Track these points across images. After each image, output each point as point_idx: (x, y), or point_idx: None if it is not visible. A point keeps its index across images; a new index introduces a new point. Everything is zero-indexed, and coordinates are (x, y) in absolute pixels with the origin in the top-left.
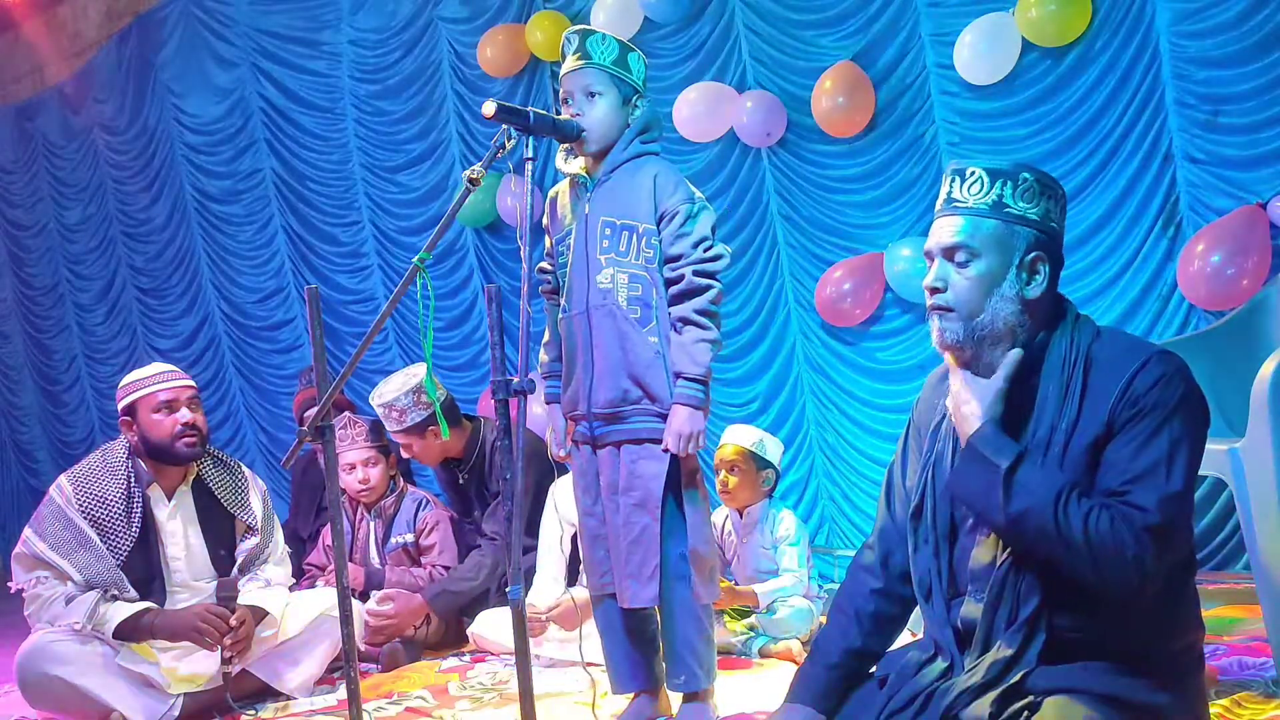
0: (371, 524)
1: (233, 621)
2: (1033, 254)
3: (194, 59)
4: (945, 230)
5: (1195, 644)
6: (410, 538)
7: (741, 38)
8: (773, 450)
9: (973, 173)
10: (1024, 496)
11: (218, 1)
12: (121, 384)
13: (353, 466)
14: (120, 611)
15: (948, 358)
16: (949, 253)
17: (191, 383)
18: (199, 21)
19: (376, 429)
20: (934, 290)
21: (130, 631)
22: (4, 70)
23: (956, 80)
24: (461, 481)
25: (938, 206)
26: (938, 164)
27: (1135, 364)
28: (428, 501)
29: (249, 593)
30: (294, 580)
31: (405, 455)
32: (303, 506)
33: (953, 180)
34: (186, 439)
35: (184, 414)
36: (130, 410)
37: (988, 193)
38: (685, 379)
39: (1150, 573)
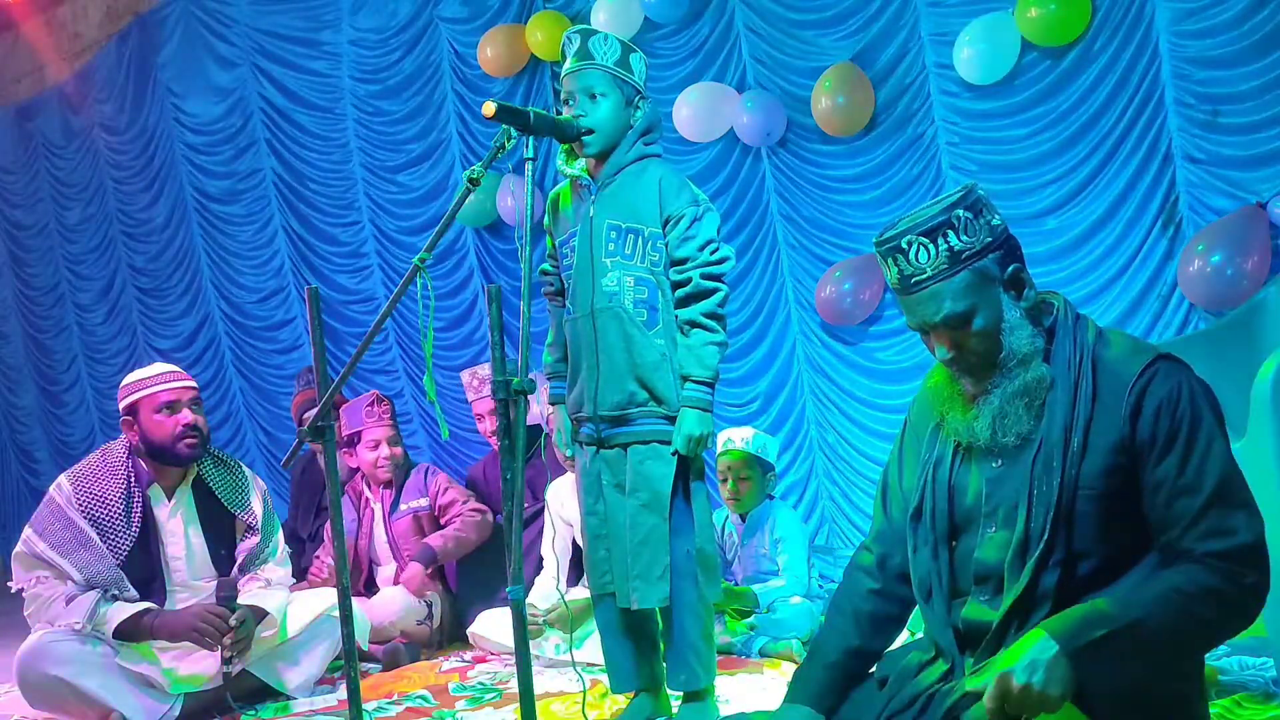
0: (376, 507)
1: (232, 621)
2: (1009, 269)
3: (194, 59)
4: (925, 310)
5: None
6: (424, 502)
7: (741, 38)
8: (771, 450)
9: (910, 242)
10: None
11: (218, 1)
12: (123, 383)
13: (378, 443)
14: (120, 612)
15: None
16: (943, 326)
17: (193, 384)
18: (199, 21)
19: (395, 412)
20: (952, 359)
21: (130, 631)
22: (4, 70)
23: (956, 80)
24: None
25: (894, 284)
26: (938, 164)
27: (1144, 369)
28: (434, 469)
29: (249, 593)
30: (294, 580)
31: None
32: (303, 506)
33: (895, 258)
34: (188, 440)
35: (185, 415)
36: (132, 410)
37: (937, 254)
38: (694, 382)
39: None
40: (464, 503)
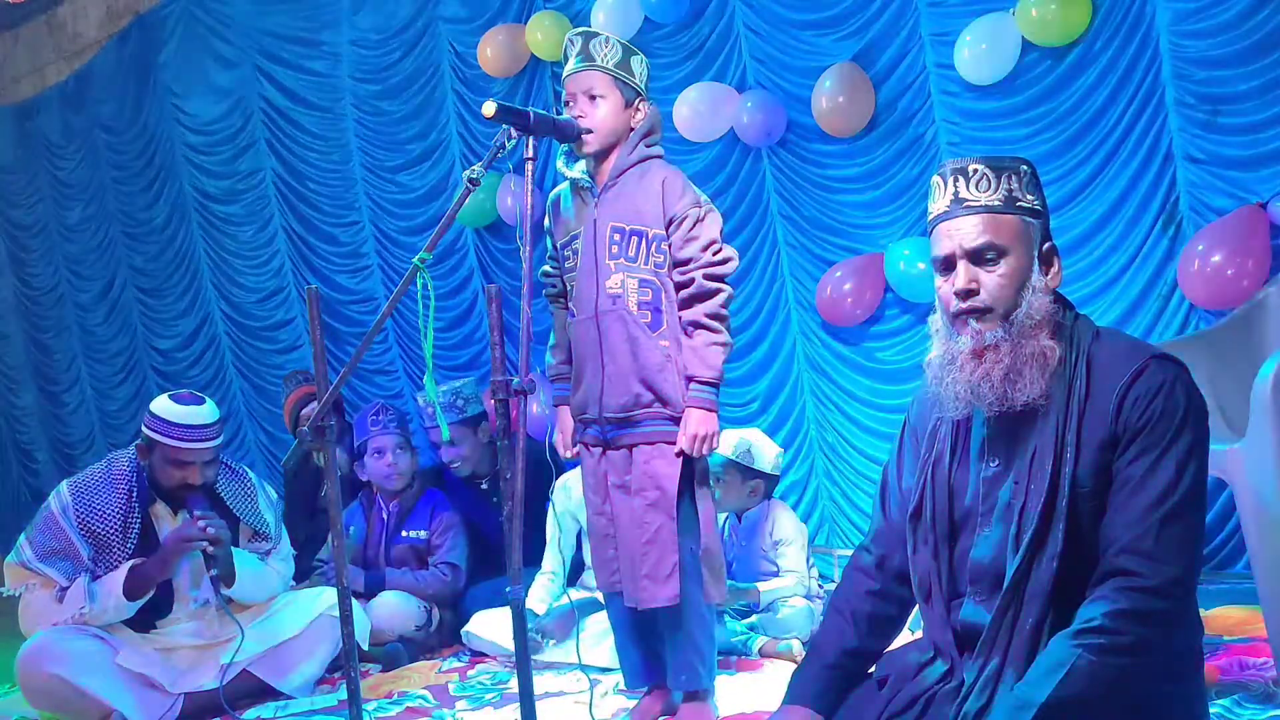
0: (388, 519)
1: (199, 523)
2: (1046, 245)
3: (194, 59)
4: (966, 231)
5: (1195, 644)
6: (424, 534)
7: (741, 38)
8: (762, 458)
9: (975, 169)
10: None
11: (218, 1)
12: (154, 408)
13: (382, 451)
14: (116, 580)
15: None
16: (975, 254)
17: (214, 444)
18: (199, 21)
19: (404, 420)
20: (968, 293)
21: (135, 589)
22: (4, 70)
23: (956, 80)
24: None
25: (943, 207)
26: (937, 164)
27: (1135, 368)
28: (445, 501)
29: (241, 554)
30: (294, 583)
31: (449, 459)
32: (296, 510)
33: (955, 179)
34: (189, 494)
35: (193, 474)
36: (150, 442)
37: (996, 188)
38: (698, 382)
39: (1182, 588)
40: (446, 550)
